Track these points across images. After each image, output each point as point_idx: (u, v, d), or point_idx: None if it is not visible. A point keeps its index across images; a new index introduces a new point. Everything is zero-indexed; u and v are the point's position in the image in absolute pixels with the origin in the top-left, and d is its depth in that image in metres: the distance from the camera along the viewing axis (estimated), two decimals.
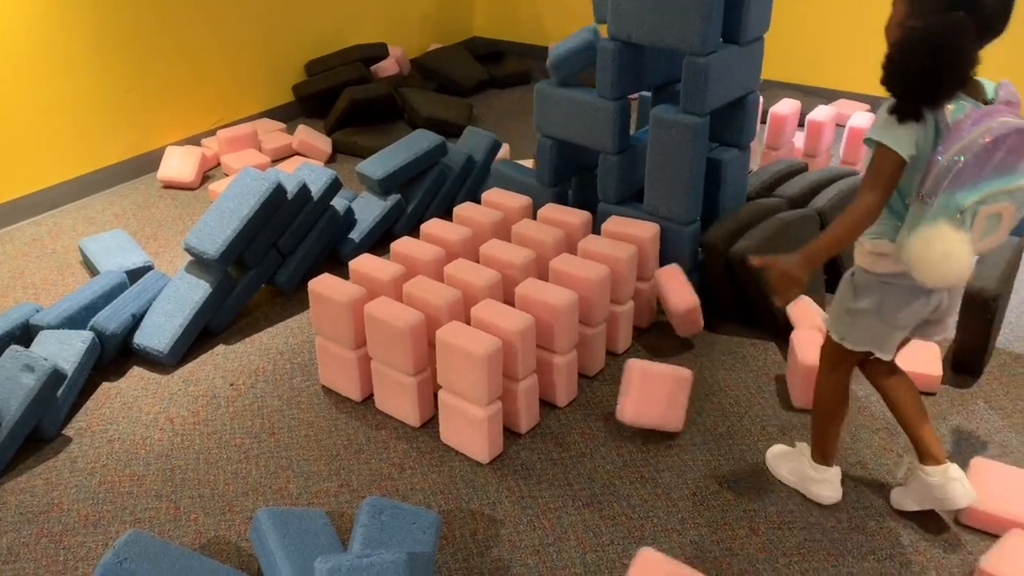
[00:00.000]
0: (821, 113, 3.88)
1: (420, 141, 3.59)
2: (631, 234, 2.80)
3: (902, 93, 1.70)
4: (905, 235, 1.77)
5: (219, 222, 2.85)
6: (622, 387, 2.43)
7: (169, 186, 4.14)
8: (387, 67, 5.21)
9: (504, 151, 4.31)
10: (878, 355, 2.01)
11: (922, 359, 2.62)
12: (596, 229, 2.97)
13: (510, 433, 2.47)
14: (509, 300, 2.56)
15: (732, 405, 2.59)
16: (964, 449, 2.39)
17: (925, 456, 2.07)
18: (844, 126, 4.35)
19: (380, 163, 3.50)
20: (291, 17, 4.83)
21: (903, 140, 1.71)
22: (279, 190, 2.91)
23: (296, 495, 2.29)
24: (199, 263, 2.90)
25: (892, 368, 2.11)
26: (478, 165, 3.78)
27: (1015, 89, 1.79)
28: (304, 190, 3.04)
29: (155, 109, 4.24)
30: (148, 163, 4.23)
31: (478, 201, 3.22)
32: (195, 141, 4.44)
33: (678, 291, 2.75)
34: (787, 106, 3.94)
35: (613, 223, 2.86)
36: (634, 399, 2.39)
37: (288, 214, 3.01)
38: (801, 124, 4.17)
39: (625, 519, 2.18)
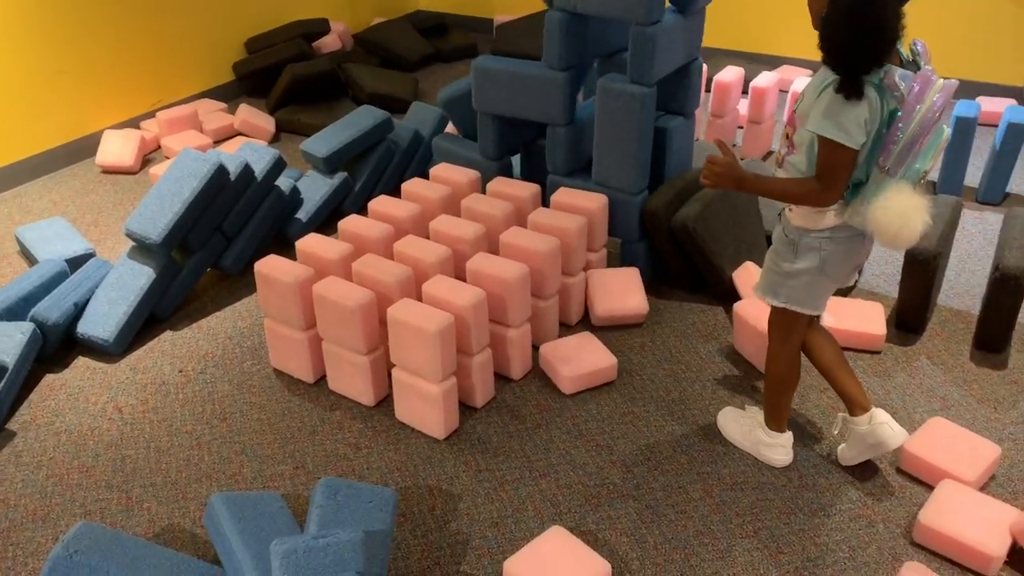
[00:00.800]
0: (764, 79, 3.91)
1: (365, 117, 3.54)
2: (580, 205, 2.80)
3: (845, 68, 1.72)
4: (863, 202, 1.82)
5: (160, 206, 2.79)
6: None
7: (108, 171, 4.03)
8: (329, 43, 5.12)
9: (451, 125, 4.28)
10: (810, 313, 2.04)
11: (866, 318, 2.68)
12: (545, 202, 2.97)
13: (466, 408, 2.48)
14: (461, 276, 2.56)
15: (684, 371, 2.62)
16: (909, 404, 2.46)
17: (852, 406, 2.13)
18: (787, 91, 4.40)
19: (324, 141, 3.44)
20: None
21: (852, 130, 1.73)
22: (221, 171, 2.85)
23: (251, 479, 2.27)
24: (141, 248, 2.83)
25: (811, 323, 2.16)
26: (425, 140, 3.74)
27: (923, 46, 1.82)
28: (247, 171, 2.98)
29: (90, 91, 4.11)
30: (86, 148, 4.12)
31: (427, 177, 3.19)
32: (134, 124, 4.33)
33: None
34: (731, 73, 3.97)
35: (562, 195, 2.86)
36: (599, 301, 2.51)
37: (231, 196, 2.95)
38: (745, 91, 4.20)
39: (581, 487, 2.20)
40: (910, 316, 2.73)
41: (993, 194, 3.55)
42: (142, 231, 2.76)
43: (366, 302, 2.33)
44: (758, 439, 2.28)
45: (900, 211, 1.77)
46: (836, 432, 2.25)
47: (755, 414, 2.34)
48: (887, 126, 1.75)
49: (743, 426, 2.34)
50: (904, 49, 1.80)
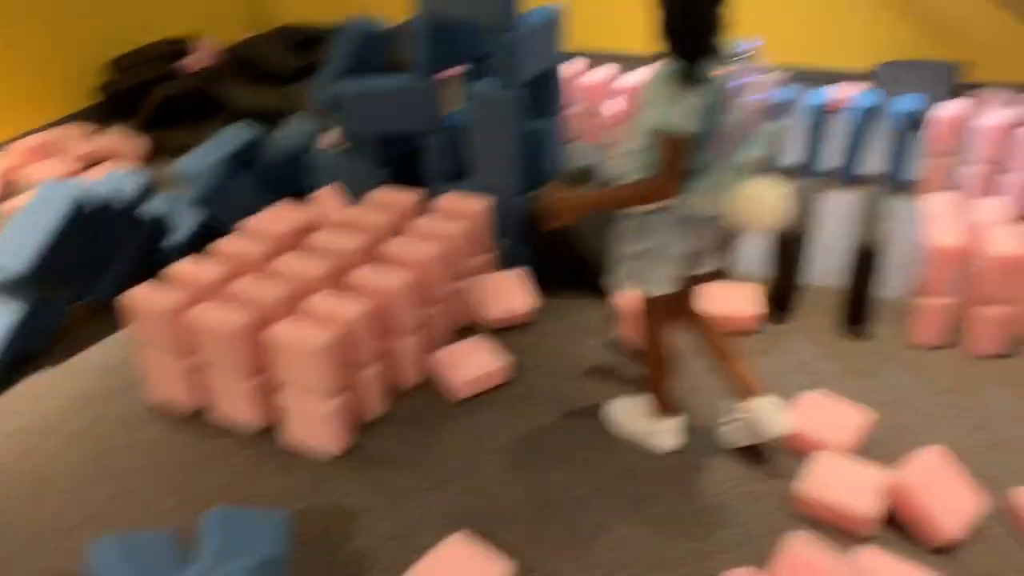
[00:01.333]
0: (636, 78, 4.02)
1: (236, 135, 3.46)
2: (464, 210, 2.82)
3: (680, 56, 1.82)
4: (710, 189, 1.91)
5: (21, 239, 2.65)
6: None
7: None
8: (200, 60, 4.97)
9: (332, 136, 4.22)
10: (656, 292, 2.11)
11: (740, 301, 2.80)
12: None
13: (360, 422, 2.45)
14: (346, 290, 2.53)
15: (574, 366, 2.67)
16: (785, 380, 2.57)
17: (740, 391, 2.21)
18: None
19: (195, 162, 3.34)
20: (88, 13, 4.51)
21: (688, 116, 1.81)
22: (80, 200, 2.73)
23: (139, 518, 2.18)
24: (6, 285, 2.68)
25: (687, 308, 2.25)
26: (305, 153, 3.67)
27: (748, 43, 1.94)
28: (112, 198, 2.87)
29: None
30: None
31: (305, 192, 3.15)
32: None
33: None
34: (601, 73, 4.06)
35: (446, 200, 2.87)
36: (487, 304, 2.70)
37: (97, 225, 2.84)
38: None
39: (480, 491, 2.22)
40: (781, 296, 2.86)
41: (848, 176, 3.76)
42: (4, 265, 2.62)
43: (244, 325, 2.28)
44: (645, 427, 2.34)
45: (759, 197, 1.87)
46: (724, 418, 2.34)
47: (641, 403, 2.40)
48: (717, 115, 1.85)
49: (631, 416, 2.40)
50: (730, 43, 1.89)
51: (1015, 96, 4.38)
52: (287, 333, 2.23)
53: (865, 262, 2.64)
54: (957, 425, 2.38)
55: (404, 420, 2.47)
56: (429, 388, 2.60)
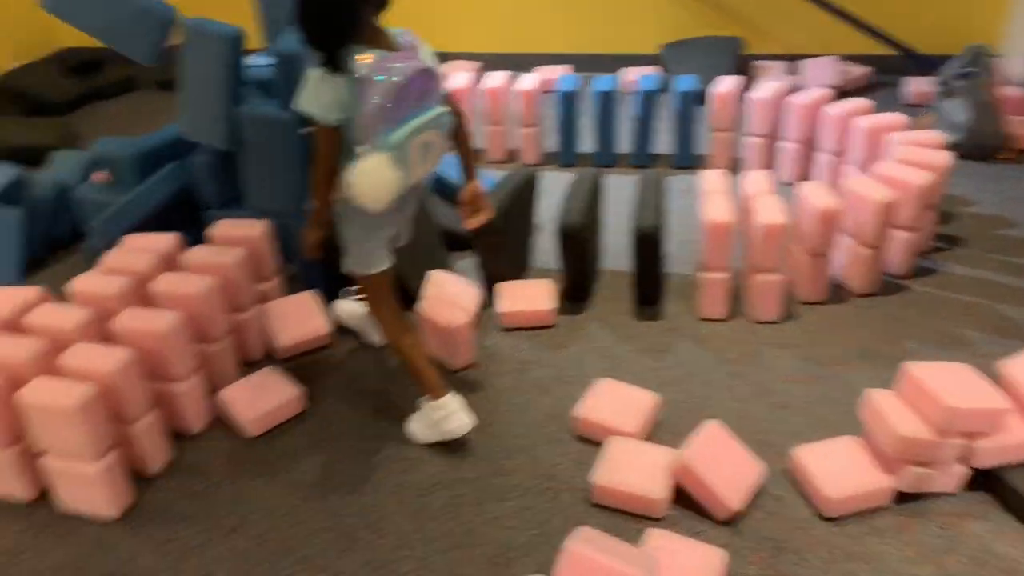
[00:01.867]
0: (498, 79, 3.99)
1: None
2: (240, 236, 2.69)
3: (321, 47, 1.94)
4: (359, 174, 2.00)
5: None
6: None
7: None
8: None
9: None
10: (366, 272, 2.26)
11: (536, 297, 2.81)
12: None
13: (140, 478, 2.29)
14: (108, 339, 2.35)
15: (372, 385, 2.60)
16: (584, 369, 2.60)
17: (434, 391, 2.29)
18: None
19: None
20: None
21: (328, 107, 1.97)
22: None
23: None
24: None
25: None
26: (72, 189, 3.41)
27: (412, 37, 2.08)
28: None
29: None
30: None
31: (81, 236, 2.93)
32: None
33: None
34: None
35: (220, 228, 2.73)
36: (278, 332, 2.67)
37: None
38: None
39: (275, 533, 2.11)
40: (574, 287, 2.90)
41: (642, 158, 3.86)
42: None
43: None
44: (433, 419, 2.30)
45: (361, 171, 1.94)
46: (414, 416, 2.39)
47: (424, 402, 2.35)
48: (358, 102, 1.93)
49: (421, 420, 2.36)
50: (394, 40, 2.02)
51: (788, 67, 4.64)
52: (38, 395, 2.04)
53: (647, 243, 2.70)
54: (742, 393, 2.47)
55: (191, 468, 2.32)
56: (219, 429, 2.46)
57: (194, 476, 2.30)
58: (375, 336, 2.68)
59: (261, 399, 2.44)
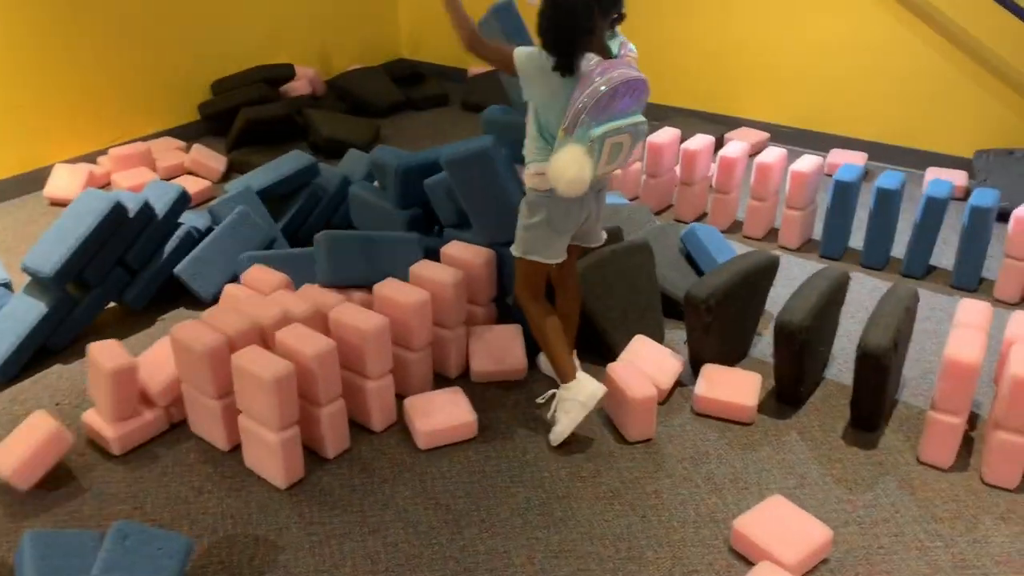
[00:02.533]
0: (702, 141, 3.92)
1: (290, 161, 3.61)
2: (465, 260, 2.82)
3: (556, 52, 2.15)
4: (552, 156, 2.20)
5: (56, 242, 2.87)
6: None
7: (56, 203, 4.15)
8: (297, 87, 5.24)
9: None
10: (546, 260, 2.41)
11: (741, 388, 2.64)
12: None
13: (317, 458, 2.48)
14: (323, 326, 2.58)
15: (541, 435, 2.59)
16: (764, 480, 2.40)
17: (565, 376, 2.47)
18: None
19: (245, 182, 3.52)
20: (198, 36, 4.87)
21: (533, 80, 2.24)
22: (117, 209, 2.93)
23: (87, 516, 2.29)
24: (37, 283, 2.91)
25: (569, 274, 2.60)
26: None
27: (633, 47, 2.28)
28: (147, 208, 3.05)
29: (47, 125, 4.27)
30: (38, 180, 4.25)
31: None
32: (92, 159, 4.46)
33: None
34: (666, 135, 3.98)
35: (452, 248, 2.88)
36: (476, 357, 2.79)
37: (131, 232, 3.03)
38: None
39: (407, 546, 2.19)
40: (785, 389, 2.68)
41: (916, 268, 3.49)
42: (35, 266, 2.84)
43: (216, 346, 2.36)
44: (572, 401, 2.46)
45: (560, 158, 2.15)
46: (550, 416, 2.54)
47: (552, 399, 2.55)
48: (568, 92, 2.15)
49: (561, 410, 2.49)
50: (615, 48, 2.23)
51: None
52: (246, 361, 2.28)
53: (867, 364, 2.43)
54: (937, 559, 2.13)
55: (361, 462, 2.48)
56: (398, 433, 2.59)
57: (361, 470, 2.45)
58: (586, 401, 2.51)
59: (438, 415, 2.54)
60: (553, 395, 2.54)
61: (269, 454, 2.34)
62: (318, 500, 2.34)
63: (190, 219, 3.34)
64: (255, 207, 3.40)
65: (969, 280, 3.38)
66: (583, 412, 2.46)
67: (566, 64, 2.14)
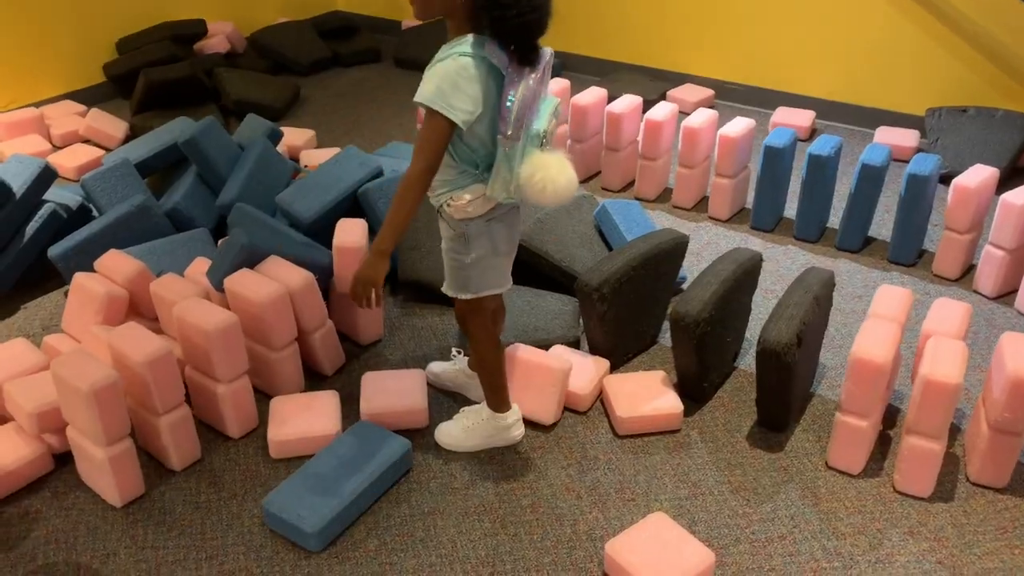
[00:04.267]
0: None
1: (173, 130, 3.31)
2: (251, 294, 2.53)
3: (529, 41, 1.81)
4: (503, 174, 1.88)
5: None
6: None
7: None
8: (214, 44, 4.89)
9: (306, 137, 4.04)
10: (506, 288, 2.13)
11: (658, 394, 2.38)
12: None
13: (164, 470, 2.24)
14: None
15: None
16: (654, 489, 2.17)
17: (500, 406, 2.25)
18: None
19: (124, 154, 3.22)
20: None
21: (471, 101, 1.80)
22: None
23: None
24: None
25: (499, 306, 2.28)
26: (254, 157, 3.49)
27: None
28: (10, 184, 2.77)
29: None
30: None
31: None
32: None
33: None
34: (591, 95, 3.67)
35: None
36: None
37: None
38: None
39: (244, 573, 1.96)
40: (687, 384, 2.44)
41: (851, 241, 3.23)
42: None
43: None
44: (494, 428, 2.26)
45: (540, 166, 1.86)
46: (455, 366, 2.44)
47: (473, 412, 2.30)
48: (498, 97, 1.84)
49: (468, 429, 2.28)
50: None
51: None
52: (65, 369, 2.01)
53: (767, 362, 2.18)
54: None
55: (212, 475, 2.23)
56: (261, 438, 2.35)
57: (209, 484, 2.21)
58: (477, 392, 2.41)
59: (297, 422, 2.29)
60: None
61: (99, 471, 2.10)
62: (156, 520, 2.10)
63: (58, 195, 3.05)
64: (131, 183, 3.10)
65: (907, 254, 3.13)
66: (484, 442, 2.28)
67: (535, 54, 1.82)
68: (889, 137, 3.95)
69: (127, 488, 2.13)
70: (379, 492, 2.14)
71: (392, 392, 2.39)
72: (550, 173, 1.85)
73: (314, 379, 2.56)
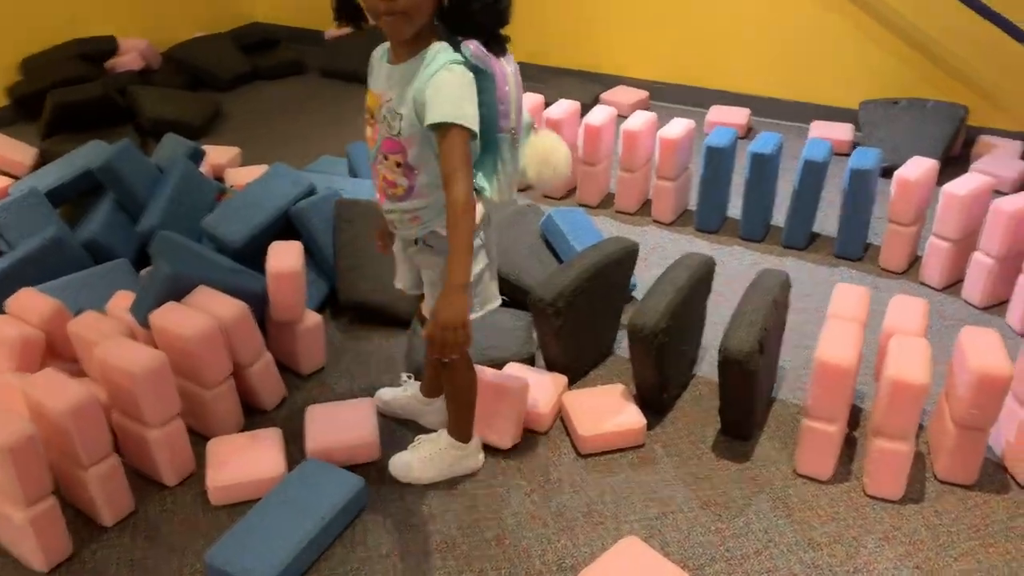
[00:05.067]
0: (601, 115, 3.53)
1: (86, 155, 3.10)
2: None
3: (496, 28, 1.69)
4: (507, 171, 1.81)
5: None
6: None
7: None
8: (127, 62, 4.65)
9: (231, 155, 3.85)
10: (498, 303, 1.95)
11: (618, 409, 2.29)
12: None
13: (94, 526, 2.05)
14: None
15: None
16: (621, 511, 2.08)
17: (467, 437, 2.13)
18: None
19: (33, 182, 2.99)
20: (3, 4, 4.23)
21: (473, 107, 1.66)
22: None
23: None
24: None
25: None
26: (175, 180, 3.29)
27: None
28: None
29: None
30: None
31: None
32: None
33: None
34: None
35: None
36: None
37: None
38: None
39: None
40: (647, 395, 2.36)
41: (797, 238, 3.20)
42: None
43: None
44: (452, 458, 2.13)
45: (547, 147, 1.86)
46: (406, 392, 2.32)
47: (430, 441, 2.16)
48: (483, 95, 1.71)
49: (425, 459, 2.13)
50: None
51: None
52: None
53: (729, 370, 2.11)
54: None
55: (148, 527, 2.05)
56: (196, 485, 2.18)
57: (145, 539, 2.03)
58: (432, 418, 2.30)
59: (238, 465, 2.13)
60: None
61: (20, 534, 1.90)
62: None
63: None
64: (42, 213, 2.88)
65: (853, 249, 3.12)
66: (442, 473, 2.15)
67: (506, 41, 1.73)
68: (824, 131, 3.96)
69: (53, 550, 1.94)
70: (333, 535, 2.00)
71: (340, 425, 2.25)
72: (558, 150, 1.85)
73: (254, 416, 2.39)
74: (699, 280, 2.38)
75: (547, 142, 1.88)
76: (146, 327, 2.23)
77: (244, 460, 2.15)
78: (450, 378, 2.07)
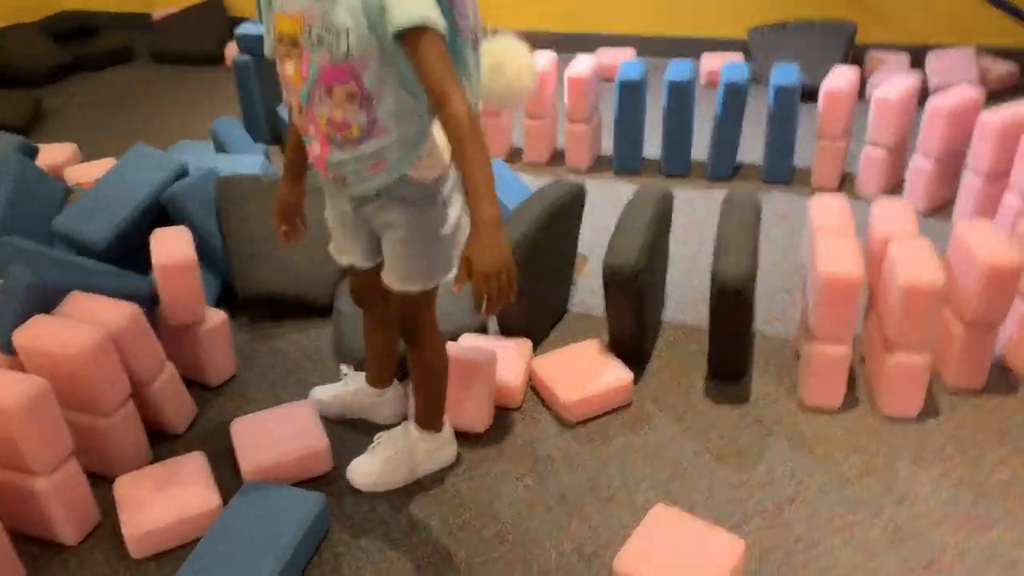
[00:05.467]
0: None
1: None
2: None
3: None
4: (472, 82, 1.45)
5: None
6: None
7: None
8: None
9: (68, 153, 3.27)
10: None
11: (602, 367, 2.01)
12: None
13: None
14: None
15: None
16: (630, 479, 1.80)
17: (438, 425, 1.80)
18: None
19: None
20: None
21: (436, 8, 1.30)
22: None
23: None
24: None
25: None
26: (10, 178, 2.70)
27: None
28: None
29: None
30: None
31: None
32: None
33: None
34: None
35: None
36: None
37: None
38: None
39: None
40: (626, 347, 2.09)
41: (722, 169, 3.03)
42: None
43: None
44: (424, 452, 1.79)
45: (506, 52, 1.56)
46: (347, 386, 1.95)
47: (391, 440, 1.80)
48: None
49: (390, 460, 1.78)
50: None
51: (912, 60, 3.74)
52: None
53: (733, 300, 1.88)
54: (869, 538, 1.64)
55: None
56: (108, 536, 1.72)
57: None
58: (387, 411, 1.94)
59: (159, 506, 1.69)
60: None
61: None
62: None
63: None
64: None
65: (781, 173, 2.98)
66: (412, 472, 1.80)
67: None
68: (716, 63, 3.82)
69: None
70: (299, 568, 1.61)
71: (277, 437, 1.84)
72: (516, 56, 1.56)
73: (162, 443, 1.94)
74: (662, 215, 2.12)
75: (500, 46, 1.56)
76: (9, 352, 1.73)
77: (165, 497, 1.71)
78: (419, 359, 1.72)
